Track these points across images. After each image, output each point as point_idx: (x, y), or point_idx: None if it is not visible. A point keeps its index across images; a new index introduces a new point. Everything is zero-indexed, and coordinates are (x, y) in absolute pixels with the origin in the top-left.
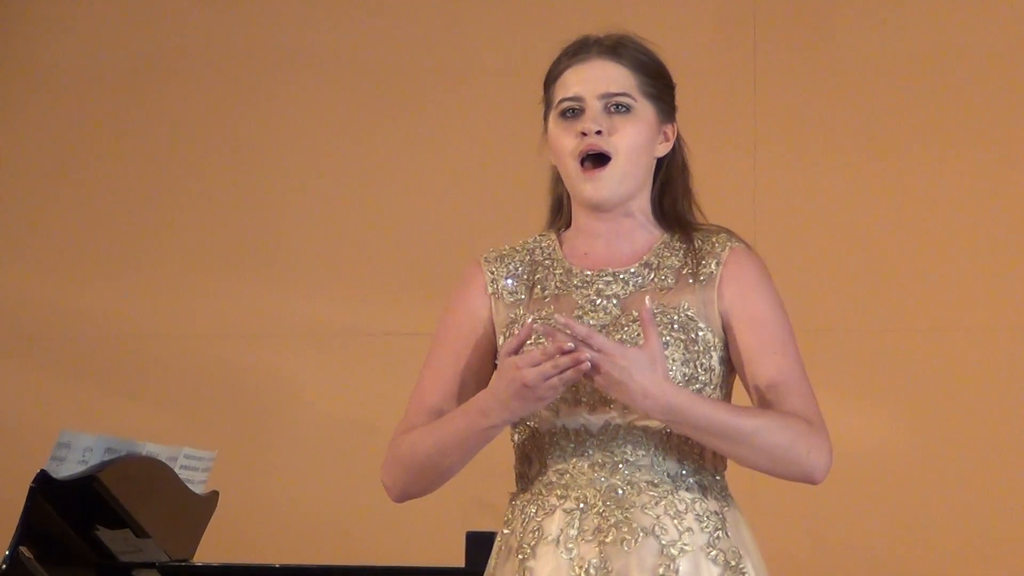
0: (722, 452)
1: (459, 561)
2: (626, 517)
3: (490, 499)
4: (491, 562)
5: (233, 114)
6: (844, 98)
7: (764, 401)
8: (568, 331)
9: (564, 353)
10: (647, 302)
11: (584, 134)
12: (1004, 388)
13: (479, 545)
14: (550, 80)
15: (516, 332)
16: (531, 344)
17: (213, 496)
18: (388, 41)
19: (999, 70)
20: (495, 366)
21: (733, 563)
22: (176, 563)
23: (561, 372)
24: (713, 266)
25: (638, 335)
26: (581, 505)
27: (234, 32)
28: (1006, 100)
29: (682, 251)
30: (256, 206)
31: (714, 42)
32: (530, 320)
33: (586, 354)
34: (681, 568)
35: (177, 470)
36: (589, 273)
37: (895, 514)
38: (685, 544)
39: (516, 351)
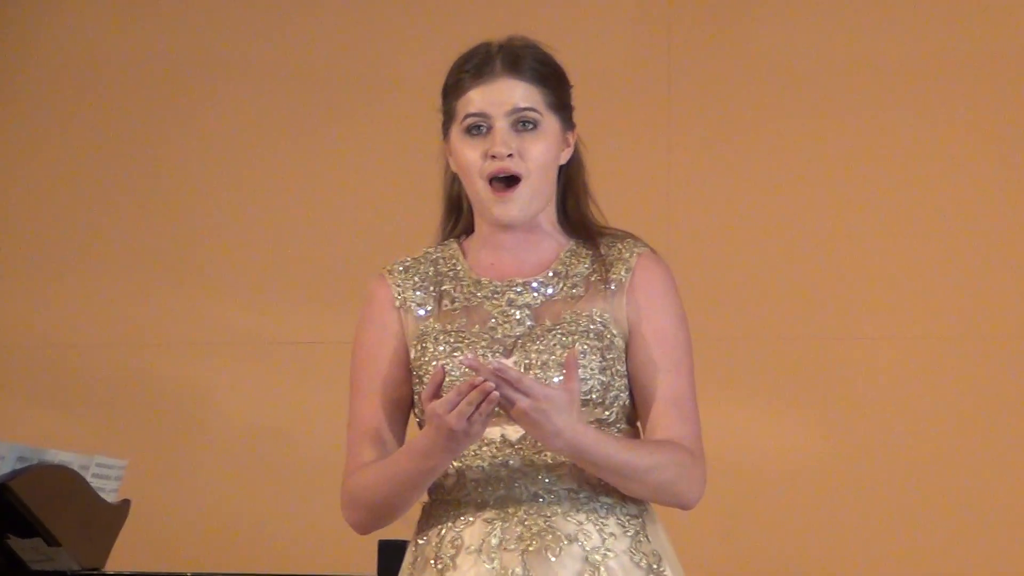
0: (613, 484)
1: (371, 569)
2: (549, 525)
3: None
4: (404, 572)
5: (150, 122)
6: (760, 100)
7: (654, 414)
8: (495, 375)
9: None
10: (575, 346)
11: (494, 156)
12: (919, 396)
13: (391, 553)
14: (451, 92)
15: (427, 348)
16: (447, 385)
17: (124, 505)
18: (304, 53)
19: (922, 73)
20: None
21: (655, 567)
22: (87, 572)
23: (477, 407)
24: (623, 272)
25: (555, 345)
26: (502, 514)
27: (155, 40)
28: (929, 105)
29: (588, 258)
30: (168, 215)
31: (629, 43)
32: (439, 365)
33: (491, 384)
34: (604, 574)
35: (89, 479)
36: (498, 283)
37: (809, 520)
38: (608, 550)
39: (434, 396)
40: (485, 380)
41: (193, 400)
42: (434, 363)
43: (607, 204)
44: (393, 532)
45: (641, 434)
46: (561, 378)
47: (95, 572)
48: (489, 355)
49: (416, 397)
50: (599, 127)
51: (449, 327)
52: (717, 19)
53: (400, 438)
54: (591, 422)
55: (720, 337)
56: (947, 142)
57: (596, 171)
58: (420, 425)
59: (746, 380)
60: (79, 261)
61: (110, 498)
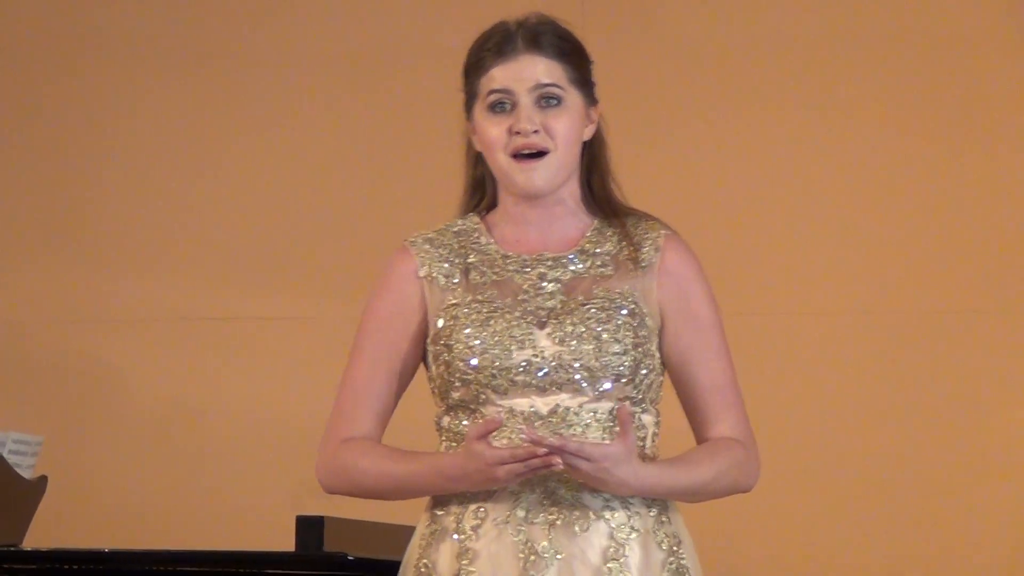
0: (683, 501)
1: (289, 545)
2: (576, 500)
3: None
4: (415, 544)
5: (59, 95)
6: (673, 83)
7: (700, 404)
8: (548, 446)
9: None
10: (627, 406)
11: (518, 133)
12: (839, 371)
13: (309, 529)
14: (473, 71)
15: (459, 319)
16: (496, 436)
17: (41, 481)
18: (226, 28)
19: (833, 52)
20: (426, 350)
21: (675, 549)
22: (4, 548)
23: (525, 462)
24: (652, 253)
25: (589, 319)
26: (528, 486)
27: (54, 7)
28: (841, 85)
29: (615, 236)
30: (81, 191)
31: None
32: (500, 416)
33: (558, 460)
34: (629, 552)
35: (5, 455)
36: (527, 257)
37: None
38: (634, 526)
39: (482, 438)
40: (549, 452)
41: (109, 377)
42: (467, 331)
43: None
44: (311, 508)
45: (695, 424)
46: (596, 362)
47: (12, 548)
48: (525, 345)
49: (432, 368)
50: None
51: (480, 297)
52: (629, 3)
53: (391, 409)
54: (620, 399)
55: None
56: (858, 121)
57: None
58: (439, 387)
59: None
60: None
61: (27, 474)
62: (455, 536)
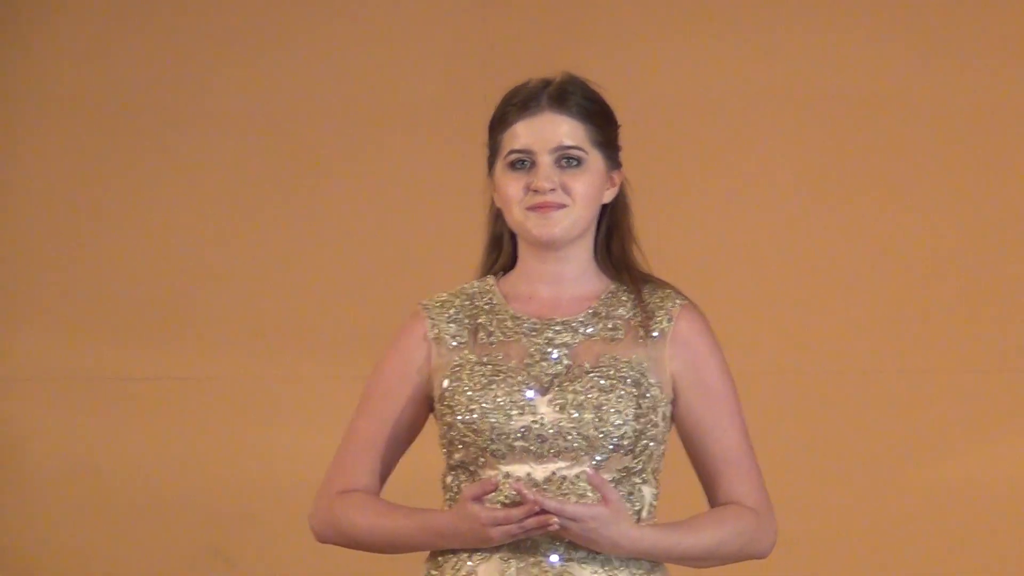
0: (689, 567)
1: None
2: (565, 569)
3: (224, 548)
4: None
5: None
6: None
7: (713, 473)
8: (537, 504)
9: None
10: (588, 470)
11: (536, 191)
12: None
13: None
14: (497, 127)
15: (462, 379)
16: (492, 498)
17: None
18: (122, 79)
19: (748, 107)
20: (431, 409)
21: None
22: None
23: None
24: (665, 322)
25: (592, 387)
26: (518, 553)
27: None
28: (751, 139)
29: (630, 302)
30: None
31: (445, 87)
32: (496, 478)
33: (554, 521)
34: None
35: None
36: (537, 321)
37: None
38: None
39: (477, 498)
40: (548, 513)
41: (7, 435)
42: (468, 393)
43: (425, 235)
44: (213, 571)
45: (710, 495)
46: (595, 432)
47: None
48: (525, 411)
49: (442, 427)
50: (412, 154)
51: (485, 359)
52: (534, 60)
53: (391, 467)
54: (619, 470)
55: None
56: (775, 186)
57: (408, 200)
58: (444, 446)
59: None
60: None
61: None
62: None
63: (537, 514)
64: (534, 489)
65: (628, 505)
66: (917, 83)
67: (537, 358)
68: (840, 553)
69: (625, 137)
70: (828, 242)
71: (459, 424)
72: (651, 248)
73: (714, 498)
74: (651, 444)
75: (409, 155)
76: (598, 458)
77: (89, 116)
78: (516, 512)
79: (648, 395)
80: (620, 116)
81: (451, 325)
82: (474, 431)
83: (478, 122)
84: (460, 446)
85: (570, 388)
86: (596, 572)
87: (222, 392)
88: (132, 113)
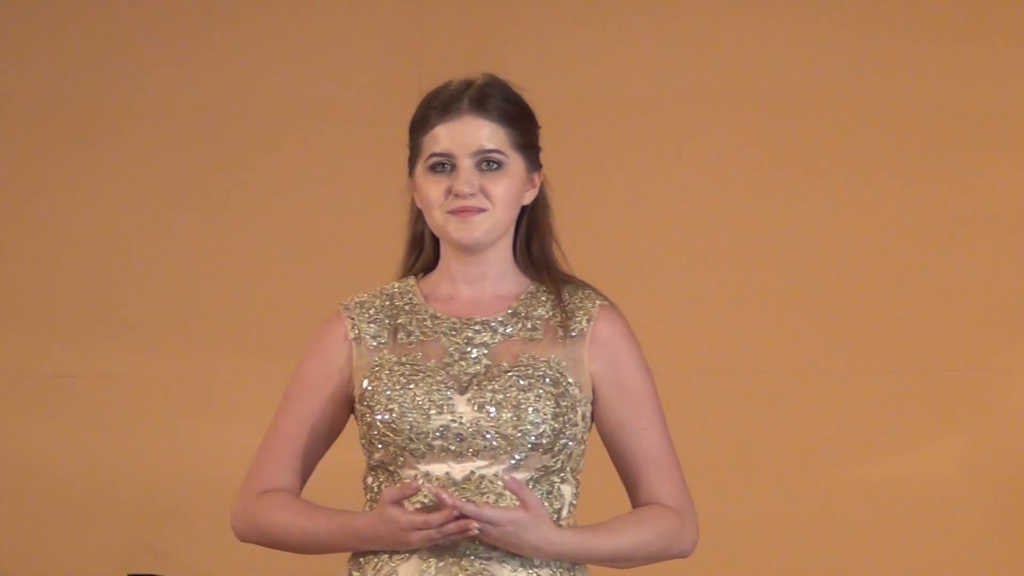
0: (610, 567)
1: None
2: (484, 568)
3: (156, 542)
4: None
5: None
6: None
7: (635, 473)
8: (456, 509)
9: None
10: (505, 477)
11: (457, 195)
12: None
13: None
14: (418, 129)
15: (381, 379)
16: (413, 500)
17: None
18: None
19: (672, 104)
20: (352, 409)
21: None
22: None
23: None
24: (584, 323)
25: (510, 386)
26: (438, 553)
27: None
28: (699, 140)
29: (549, 302)
30: None
31: (378, 85)
32: (417, 481)
33: (474, 525)
34: None
35: None
36: (456, 320)
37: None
38: None
39: (397, 502)
40: (467, 518)
41: None
42: (387, 393)
43: (350, 233)
44: (144, 567)
45: (631, 495)
46: (513, 430)
47: None
48: (444, 410)
49: (362, 427)
50: (340, 150)
51: (405, 358)
52: (467, 57)
53: (312, 467)
54: (538, 469)
55: None
56: (705, 176)
57: (333, 197)
58: (365, 446)
59: None
60: None
61: None
62: None
63: (456, 519)
64: (453, 491)
65: (547, 504)
66: (846, 80)
67: (456, 357)
68: (762, 553)
69: (547, 134)
70: (751, 242)
71: (378, 423)
72: (571, 247)
73: (636, 498)
74: (570, 443)
75: (337, 151)
76: (517, 457)
77: (18, 113)
78: (435, 517)
79: (567, 395)
80: (545, 112)
81: (371, 325)
82: (393, 430)
83: (409, 116)
84: (380, 446)
85: (489, 387)
86: (516, 571)
87: (152, 389)
88: (64, 110)
